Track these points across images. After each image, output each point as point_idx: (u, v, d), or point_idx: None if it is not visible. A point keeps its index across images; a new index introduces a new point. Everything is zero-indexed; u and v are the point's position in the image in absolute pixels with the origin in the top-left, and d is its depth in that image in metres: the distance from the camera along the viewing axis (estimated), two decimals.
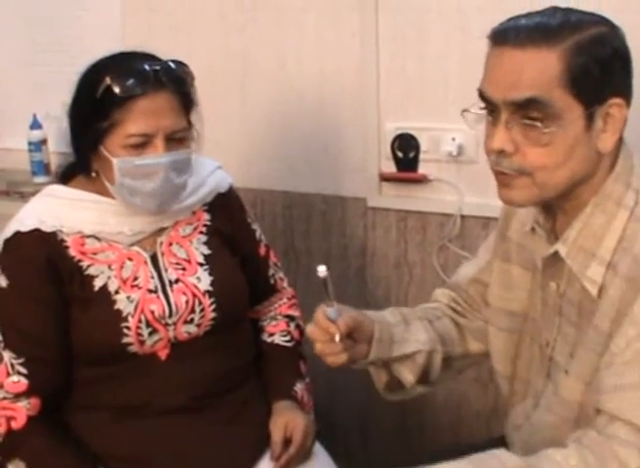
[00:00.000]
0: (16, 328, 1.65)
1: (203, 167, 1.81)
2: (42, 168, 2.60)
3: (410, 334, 1.53)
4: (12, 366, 1.63)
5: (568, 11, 1.27)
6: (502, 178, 1.29)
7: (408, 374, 1.53)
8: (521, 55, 1.21)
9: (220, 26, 2.39)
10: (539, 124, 1.22)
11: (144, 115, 1.58)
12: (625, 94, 1.25)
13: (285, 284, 1.96)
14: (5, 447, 1.64)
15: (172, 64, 1.64)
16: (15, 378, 1.63)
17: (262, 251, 1.90)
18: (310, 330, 1.43)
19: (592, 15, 1.28)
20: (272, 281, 1.92)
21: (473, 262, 1.66)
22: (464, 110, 1.33)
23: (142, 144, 1.60)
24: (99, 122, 1.60)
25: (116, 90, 1.57)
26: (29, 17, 2.68)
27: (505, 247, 1.51)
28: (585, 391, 1.30)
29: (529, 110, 1.22)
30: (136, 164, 1.61)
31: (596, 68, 1.21)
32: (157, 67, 1.60)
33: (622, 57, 1.25)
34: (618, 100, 1.24)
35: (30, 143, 2.63)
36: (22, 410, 1.64)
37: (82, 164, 1.68)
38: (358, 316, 1.48)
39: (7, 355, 1.64)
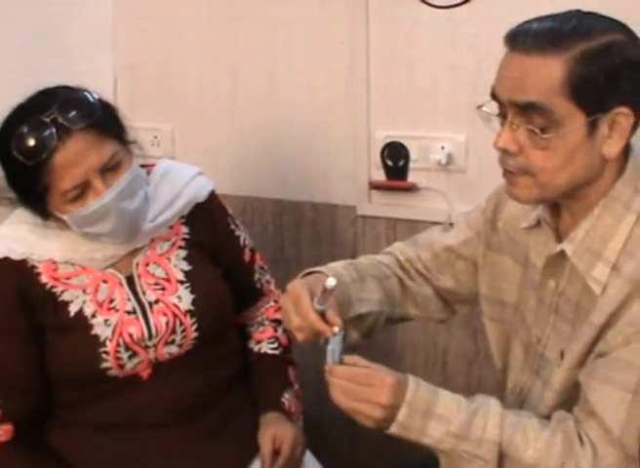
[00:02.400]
0: None
1: (179, 177, 1.75)
2: None
3: (364, 294, 1.53)
4: None
5: (584, 15, 1.28)
6: (508, 176, 1.32)
7: (354, 333, 1.54)
8: (527, 60, 1.23)
9: (210, 35, 2.38)
10: (537, 130, 1.24)
11: (66, 168, 1.51)
12: (634, 102, 1.25)
13: (272, 286, 1.93)
14: None
15: (71, 101, 1.54)
16: None
17: (247, 256, 1.87)
18: (298, 323, 1.40)
19: (609, 21, 1.28)
20: (258, 285, 1.89)
21: (453, 233, 1.64)
22: (479, 107, 1.35)
23: (81, 193, 1.54)
24: (32, 188, 1.55)
25: (26, 160, 1.51)
26: (20, 25, 2.66)
27: (497, 238, 1.53)
28: (572, 376, 1.33)
29: (530, 114, 1.24)
30: (83, 215, 1.56)
31: (600, 78, 1.22)
32: (54, 115, 1.51)
33: (634, 65, 1.25)
34: (624, 110, 1.24)
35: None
36: None
37: (43, 218, 1.63)
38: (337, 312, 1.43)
39: None
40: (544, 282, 1.42)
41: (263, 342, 1.88)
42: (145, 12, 2.45)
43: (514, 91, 1.25)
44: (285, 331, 1.90)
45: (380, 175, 2.24)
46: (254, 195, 2.41)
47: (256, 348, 1.88)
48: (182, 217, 1.75)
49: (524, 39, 1.24)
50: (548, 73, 1.22)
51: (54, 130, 1.50)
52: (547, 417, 1.35)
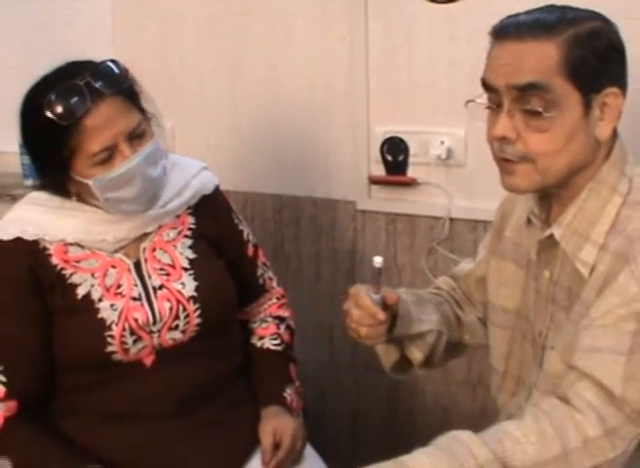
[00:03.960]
0: None
1: (187, 169, 1.79)
2: (33, 171, 2.59)
3: (423, 314, 1.57)
4: None
5: (564, 8, 1.33)
6: (506, 166, 1.32)
7: (418, 353, 1.57)
8: (522, 46, 1.27)
9: (210, 30, 2.38)
10: (539, 109, 1.26)
11: (97, 130, 1.55)
12: (621, 83, 1.30)
13: (274, 283, 1.94)
14: None
15: (102, 68, 1.59)
16: None
17: (251, 251, 1.88)
18: (358, 314, 1.46)
19: (587, 11, 1.33)
20: (261, 281, 1.90)
21: (474, 258, 1.70)
22: (469, 101, 1.37)
23: (109, 157, 1.57)
24: (58, 152, 1.56)
25: (59, 119, 1.53)
26: (20, 20, 2.68)
27: (502, 246, 1.54)
28: (565, 360, 1.33)
29: (529, 96, 1.26)
30: (110, 178, 1.58)
31: (593, 58, 1.26)
32: (88, 78, 1.55)
33: (618, 49, 1.30)
34: (614, 89, 1.29)
35: (21, 146, 2.62)
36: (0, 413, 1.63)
37: (60, 192, 1.66)
38: (395, 292, 1.52)
39: None
40: (540, 273, 1.43)
41: (266, 338, 1.89)
42: (144, 7, 2.45)
43: (511, 75, 1.27)
44: (288, 327, 1.92)
45: (379, 170, 2.24)
46: (254, 190, 2.42)
47: (258, 343, 1.88)
48: (189, 208, 1.77)
49: (515, 29, 1.28)
50: (545, 55, 1.26)
51: (87, 93, 1.53)
52: (536, 399, 1.36)
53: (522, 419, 1.26)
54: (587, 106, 1.28)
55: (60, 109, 1.53)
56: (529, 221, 1.45)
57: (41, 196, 1.69)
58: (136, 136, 1.59)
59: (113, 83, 1.57)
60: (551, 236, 1.37)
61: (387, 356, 1.60)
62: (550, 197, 1.40)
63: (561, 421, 1.23)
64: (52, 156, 1.58)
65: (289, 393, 1.82)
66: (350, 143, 2.25)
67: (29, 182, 2.56)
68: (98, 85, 1.55)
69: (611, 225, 1.32)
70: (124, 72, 1.61)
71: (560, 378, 1.31)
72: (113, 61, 1.61)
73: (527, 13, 1.32)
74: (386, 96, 2.18)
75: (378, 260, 1.42)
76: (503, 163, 1.32)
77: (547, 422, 1.23)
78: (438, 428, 2.25)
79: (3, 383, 1.63)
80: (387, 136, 2.20)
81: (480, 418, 2.21)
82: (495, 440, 1.23)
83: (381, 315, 1.44)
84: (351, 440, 2.46)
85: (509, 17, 1.32)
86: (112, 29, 2.47)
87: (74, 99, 1.53)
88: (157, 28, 2.44)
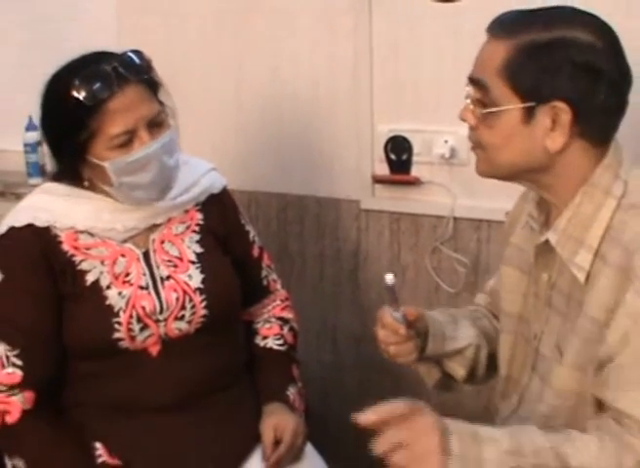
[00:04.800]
0: (10, 320, 1.65)
1: (197, 167, 1.83)
2: (37, 169, 2.60)
3: (459, 332, 1.59)
4: (6, 358, 1.64)
5: (564, 11, 1.35)
6: (472, 148, 1.41)
7: (459, 369, 1.60)
8: (489, 43, 1.34)
9: (214, 29, 2.39)
10: (479, 104, 1.34)
11: (120, 113, 1.59)
12: (574, 101, 1.28)
13: (278, 285, 1.96)
14: (2, 443, 1.65)
15: (128, 56, 1.64)
16: (9, 370, 1.64)
17: (256, 252, 1.90)
18: (383, 334, 1.51)
19: (586, 21, 1.32)
20: (265, 282, 1.92)
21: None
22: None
23: (128, 141, 1.61)
24: (77, 133, 1.60)
25: (85, 100, 1.58)
26: (24, 18, 2.69)
27: (508, 252, 1.55)
28: (582, 378, 1.32)
29: (476, 90, 1.34)
30: (128, 161, 1.61)
31: (537, 68, 1.28)
32: (115, 64, 1.60)
33: (581, 66, 1.28)
34: (561, 105, 1.29)
35: (26, 145, 2.64)
36: (17, 404, 1.64)
37: (72, 176, 1.69)
38: (417, 309, 1.56)
39: (1, 347, 1.64)
40: (538, 275, 1.44)
41: (269, 338, 1.90)
42: (149, 5, 2.45)
43: (474, 68, 1.36)
44: (291, 329, 1.92)
45: (383, 169, 2.24)
46: (258, 190, 2.42)
47: (262, 343, 1.90)
48: (198, 204, 1.81)
49: (492, 26, 1.35)
50: (494, 55, 1.31)
51: (114, 77, 1.58)
52: (547, 417, 1.36)
53: (585, 433, 1.28)
54: (529, 114, 1.30)
55: (86, 90, 1.57)
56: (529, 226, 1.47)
57: (52, 186, 1.72)
58: (155, 125, 1.63)
59: (138, 70, 1.63)
60: (547, 241, 1.37)
61: (429, 375, 1.63)
62: (546, 201, 1.41)
63: (619, 442, 1.24)
64: (71, 137, 1.61)
65: (291, 392, 1.83)
66: (354, 142, 2.25)
67: (34, 181, 2.58)
68: (123, 71, 1.59)
69: (605, 229, 1.31)
70: (148, 63, 1.67)
71: (573, 395, 1.33)
72: (138, 52, 1.66)
73: (521, 10, 1.35)
74: (390, 94, 2.18)
75: (389, 277, 1.43)
76: (471, 146, 1.42)
77: (609, 439, 1.25)
78: None
79: (19, 367, 1.64)
80: (391, 134, 2.19)
81: (485, 420, 2.16)
82: (557, 438, 1.26)
83: (403, 330, 1.48)
84: (354, 441, 2.36)
85: (502, 13, 1.37)
86: (117, 27, 2.48)
87: (101, 82, 1.57)
88: (161, 27, 2.45)
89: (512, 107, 1.31)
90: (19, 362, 1.64)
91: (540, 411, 1.39)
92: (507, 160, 1.35)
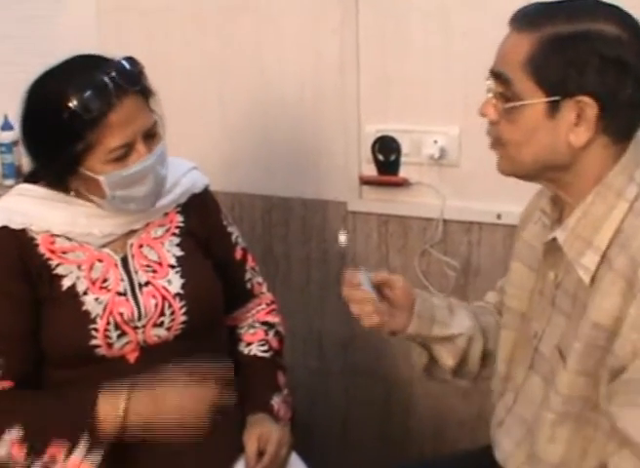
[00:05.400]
0: None
1: (177, 167, 1.79)
2: (13, 170, 2.59)
3: (452, 320, 1.59)
4: None
5: (582, 2, 1.32)
6: (491, 145, 1.39)
7: (447, 358, 1.59)
8: (512, 36, 1.33)
9: (196, 27, 2.38)
10: (501, 98, 1.33)
11: (119, 127, 1.56)
12: (600, 96, 1.27)
13: (263, 289, 1.93)
14: None
15: (122, 64, 1.60)
16: None
17: (239, 254, 1.88)
18: (345, 291, 1.53)
19: (609, 13, 1.30)
20: (249, 285, 1.89)
21: None
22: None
23: (124, 154, 1.58)
24: (72, 145, 1.56)
25: (83, 113, 1.53)
26: (4, 17, 2.65)
27: (518, 245, 1.56)
28: (588, 384, 1.32)
29: (499, 84, 1.33)
30: (124, 175, 1.59)
31: (562, 62, 1.27)
32: (112, 73, 1.55)
33: (609, 60, 1.26)
34: (586, 99, 1.27)
35: (1, 145, 2.61)
36: None
37: (59, 185, 1.66)
38: (397, 277, 1.59)
39: None
40: (545, 273, 1.43)
41: (253, 344, 1.87)
42: (130, 4, 2.44)
43: (495, 62, 1.35)
44: (277, 333, 1.90)
45: (371, 171, 2.22)
46: (242, 191, 2.41)
47: (245, 350, 1.87)
48: (178, 206, 1.78)
49: (514, 18, 1.33)
50: (518, 49, 1.30)
51: (112, 88, 1.54)
52: (555, 424, 1.35)
53: None
54: (554, 108, 1.29)
55: (84, 103, 1.53)
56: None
57: (29, 187, 1.69)
58: (150, 136, 1.62)
59: (134, 80, 1.59)
60: (556, 239, 1.37)
61: (417, 356, 1.64)
62: (560, 197, 1.40)
63: None
64: (64, 149, 1.57)
65: (276, 401, 1.80)
66: (341, 143, 2.24)
67: (8, 182, 2.56)
68: (120, 81, 1.56)
69: (615, 232, 1.30)
70: (141, 70, 1.63)
71: (580, 400, 1.33)
72: (131, 59, 1.62)
73: (538, 4, 1.34)
74: (378, 93, 2.17)
75: (342, 237, 1.48)
76: (490, 143, 1.40)
77: None
78: (432, 435, 2.33)
79: None
80: (379, 134, 2.18)
81: (476, 425, 2.21)
82: None
83: (362, 291, 1.51)
84: (342, 449, 2.46)
85: (526, 5, 1.35)
86: (97, 27, 2.47)
87: (99, 94, 1.54)
88: (142, 26, 2.43)
89: (536, 101, 1.29)
90: None
91: (548, 419, 1.37)
92: (530, 156, 1.33)
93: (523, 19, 1.31)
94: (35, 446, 1.56)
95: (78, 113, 1.53)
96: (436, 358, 1.60)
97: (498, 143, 1.36)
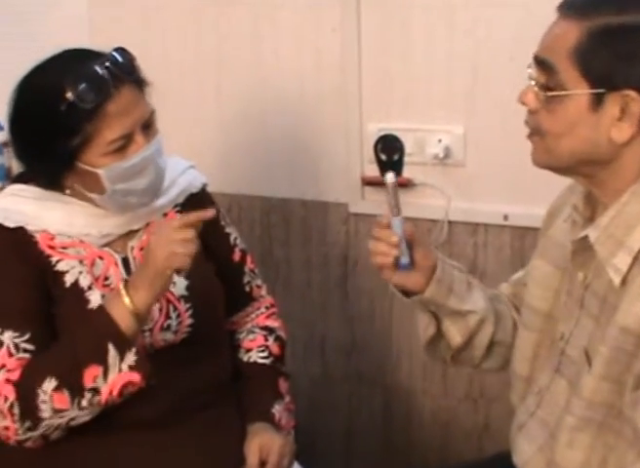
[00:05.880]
0: (10, 308, 1.59)
1: (174, 167, 1.78)
2: (3, 172, 2.55)
3: (469, 295, 1.57)
4: (15, 346, 1.57)
5: None
6: (528, 135, 1.37)
7: (456, 334, 1.57)
8: (559, 23, 1.31)
9: (191, 22, 2.36)
10: (547, 86, 1.30)
11: (117, 117, 1.55)
12: None
13: (263, 292, 1.91)
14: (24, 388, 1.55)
15: (115, 55, 1.60)
16: (20, 355, 1.57)
17: (237, 256, 1.86)
18: (376, 236, 1.52)
19: None
20: (248, 288, 1.87)
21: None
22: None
23: (123, 145, 1.58)
24: (69, 139, 1.55)
25: (82, 103, 1.53)
26: None
27: (543, 243, 1.54)
28: (612, 390, 1.30)
29: (543, 72, 1.31)
30: (125, 167, 1.58)
31: (610, 55, 1.25)
32: (107, 64, 1.56)
33: None
34: (633, 94, 1.25)
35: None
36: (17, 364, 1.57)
37: (54, 184, 1.64)
38: (423, 236, 1.59)
39: (7, 336, 1.57)
40: (574, 274, 1.42)
41: (253, 351, 1.85)
42: None
43: (540, 48, 1.33)
44: (277, 338, 1.88)
45: (373, 171, 2.10)
46: (240, 192, 2.39)
47: (245, 357, 1.85)
48: (177, 206, 1.77)
49: (562, 5, 1.31)
50: (566, 37, 1.28)
51: (109, 77, 1.55)
52: (575, 430, 1.34)
53: None
54: (598, 101, 1.27)
55: (81, 92, 1.53)
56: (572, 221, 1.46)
57: (22, 188, 1.68)
58: (147, 126, 1.62)
59: (129, 70, 1.60)
60: (587, 238, 1.35)
61: (424, 326, 1.59)
62: (594, 195, 1.39)
63: None
64: (60, 143, 1.56)
65: (277, 409, 1.78)
66: (342, 142, 2.22)
67: None
68: (116, 71, 1.57)
69: None
70: (134, 61, 1.64)
71: (604, 407, 1.31)
72: (122, 50, 1.62)
73: None
74: (380, 91, 2.15)
75: (389, 176, 1.48)
76: (529, 133, 1.38)
77: None
78: (438, 445, 2.30)
79: (31, 352, 1.58)
80: (381, 133, 2.09)
81: (483, 435, 2.21)
82: None
83: (395, 238, 1.48)
84: (345, 458, 2.45)
85: None
86: (88, 21, 2.46)
87: (97, 84, 1.54)
88: (136, 20, 2.41)
89: (580, 92, 1.27)
90: (31, 346, 1.58)
91: (569, 423, 1.35)
92: (568, 149, 1.31)
93: (571, 6, 1.30)
94: (73, 386, 1.53)
95: (75, 104, 1.52)
96: (444, 332, 1.57)
97: (536, 133, 1.34)
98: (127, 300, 1.53)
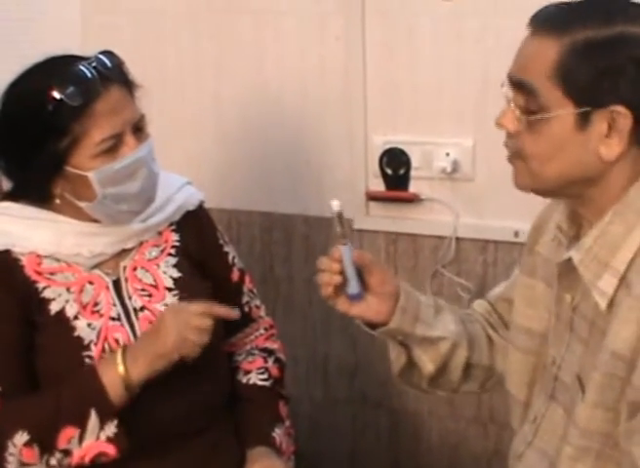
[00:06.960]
0: None
1: (170, 183, 1.76)
2: None
3: (437, 321, 1.53)
4: None
5: (618, 2, 1.28)
6: (509, 158, 1.34)
7: (428, 362, 1.54)
8: (534, 40, 1.26)
9: (190, 30, 2.33)
10: (529, 109, 1.26)
11: (106, 116, 1.55)
12: (635, 105, 1.23)
13: (262, 312, 1.89)
14: None
15: (104, 58, 1.60)
16: None
17: (236, 276, 1.84)
18: (325, 263, 1.48)
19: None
20: (247, 309, 1.85)
21: (508, 280, 1.67)
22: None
23: (113, 147, 1.56)
24: (56, 141, 1.54)
25: (70, 100, 1.52)
26: None
27: (532, 261, 1.50)
28: (607, 418, 1.28)
29: (521, 94, 1.27)
30: (116, 169, 1.56)
31: (593, 71, 1.22)
32: (95, 65, 1.56)
33: None
34: (620, 109, 1.22)
35: None
36: None
37: (39, 194, 1.62)
38: (378, 263, 1.54)
39: None
40: (561, 296, 1.39)
41: (252, 373, 1.83)
42: (117, 3, 2.41)
43: (514, 69, 1.29)
44: (277, 360, 1.86)
45: (378, 185, 2.19)
46: (240, 208, 2.37)
47: (244, 380, 1.82)
48: (172, 224, 1.76)
49: (535, 20, 1.27)
50: (543, 55, 1.24)
51: (97, 76, 1.55)
52: (574, 460, 1.30)
53: None
54: (584, 119, 1.24)
55: (69, 90, 1.53)
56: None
57: (9, 206, 1.66)
58: (138, 129, 1.62)
59: (119, 71, 1.61)
60: (570, 259, 1.32)
61: (395, 357, 1.57)
62: (578, 214, 1.36)
63: None
64: (47, 146, 1.55)
65: (277, 433, 1.75)
66: (346, 156, 2.20)
67: None
68: (104, 71, 1.57)
69: (635, 254, 1.26)
70: (122, 64, 1.64)
71: (600, 436, 1.27)
72: (109, 53, 1.63)
73: (568, 2, 1.29)
74: (386, 102, 2.13)
75: (335, 204, 1.44)
76: (508, 155, 1.34)
77: None
78: None
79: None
80: (387, 147, 2.15)
81: (492, 459, 2.18)
82: None
83: (337, 266, 1.44)
84: None
85: (547, 6, 1.29)
86: (81, 27, 2.44)
87: (85, 84, 1.54)
88: (131, 27, 2.39)
89: (565, 113, 1.24)
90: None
91: (567, 453, 1.32)
92: (556, 172, 1.27)
93: (546, 22, 1.25)
94: (45, 443, 1.52)
95: (62, 103, 1.52)
96: (415, 361, 1.55)
97: (517, 156, 1.30)
98: (121, 369, 1.52)
